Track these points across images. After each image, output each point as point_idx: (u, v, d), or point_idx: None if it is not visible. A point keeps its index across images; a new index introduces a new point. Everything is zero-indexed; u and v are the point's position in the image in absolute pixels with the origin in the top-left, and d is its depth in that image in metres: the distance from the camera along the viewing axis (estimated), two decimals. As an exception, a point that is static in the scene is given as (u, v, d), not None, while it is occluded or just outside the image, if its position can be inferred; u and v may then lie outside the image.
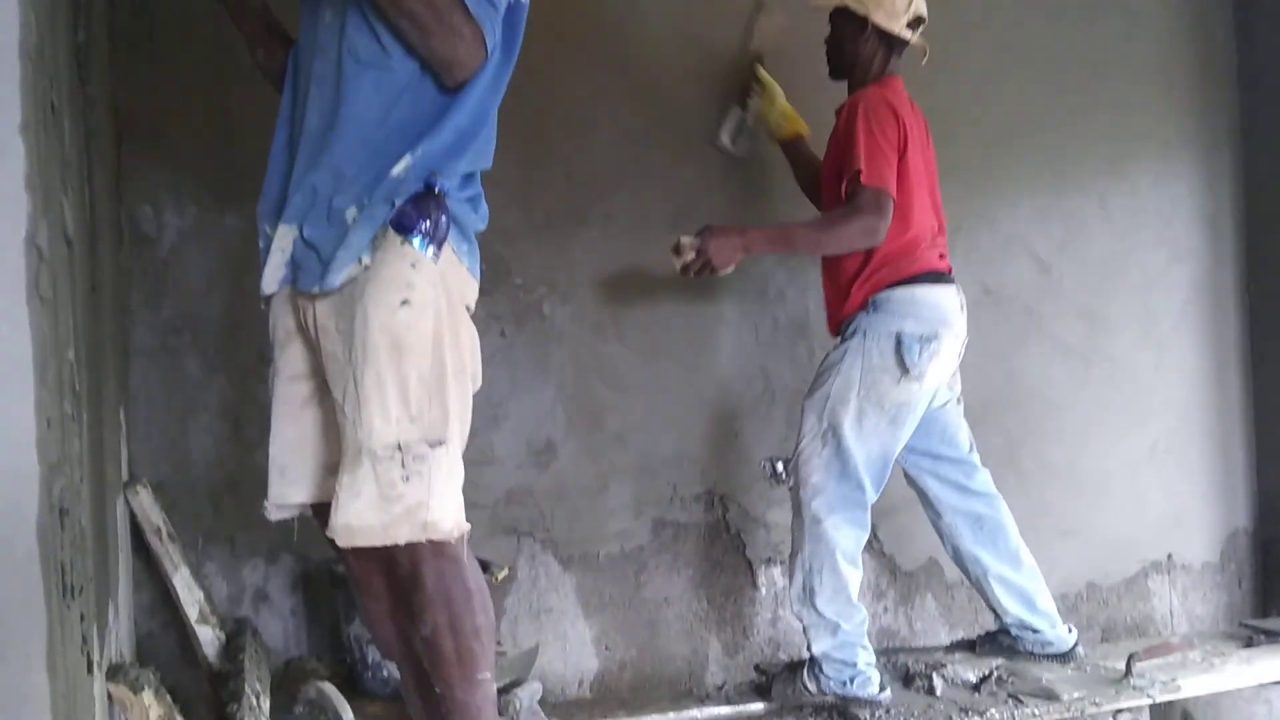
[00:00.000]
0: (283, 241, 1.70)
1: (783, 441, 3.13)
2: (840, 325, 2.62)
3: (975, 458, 2.74)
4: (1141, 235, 3.46)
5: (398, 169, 1.63)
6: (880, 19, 2.57)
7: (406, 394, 1.60)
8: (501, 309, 2.89)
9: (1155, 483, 3.48)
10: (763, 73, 2.86)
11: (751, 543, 3.12)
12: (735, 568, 3.12)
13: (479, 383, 1.82)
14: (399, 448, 1.59)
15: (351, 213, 1.63)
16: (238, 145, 2.59)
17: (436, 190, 1.63)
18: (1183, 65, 3.49)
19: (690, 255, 2.47)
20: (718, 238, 2.47)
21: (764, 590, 3.13)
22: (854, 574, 2.54)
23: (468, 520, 2.73)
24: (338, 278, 1.62)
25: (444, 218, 1.63)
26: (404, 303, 1.60)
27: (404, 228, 1.61)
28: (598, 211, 2.98)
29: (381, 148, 1.65)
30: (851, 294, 2.56)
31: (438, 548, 1.68)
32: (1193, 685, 2.71)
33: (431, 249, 1.62)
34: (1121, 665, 2.68)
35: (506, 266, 2.89)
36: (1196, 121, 3.51)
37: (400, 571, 1.72)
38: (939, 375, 2.55)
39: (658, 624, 3.03)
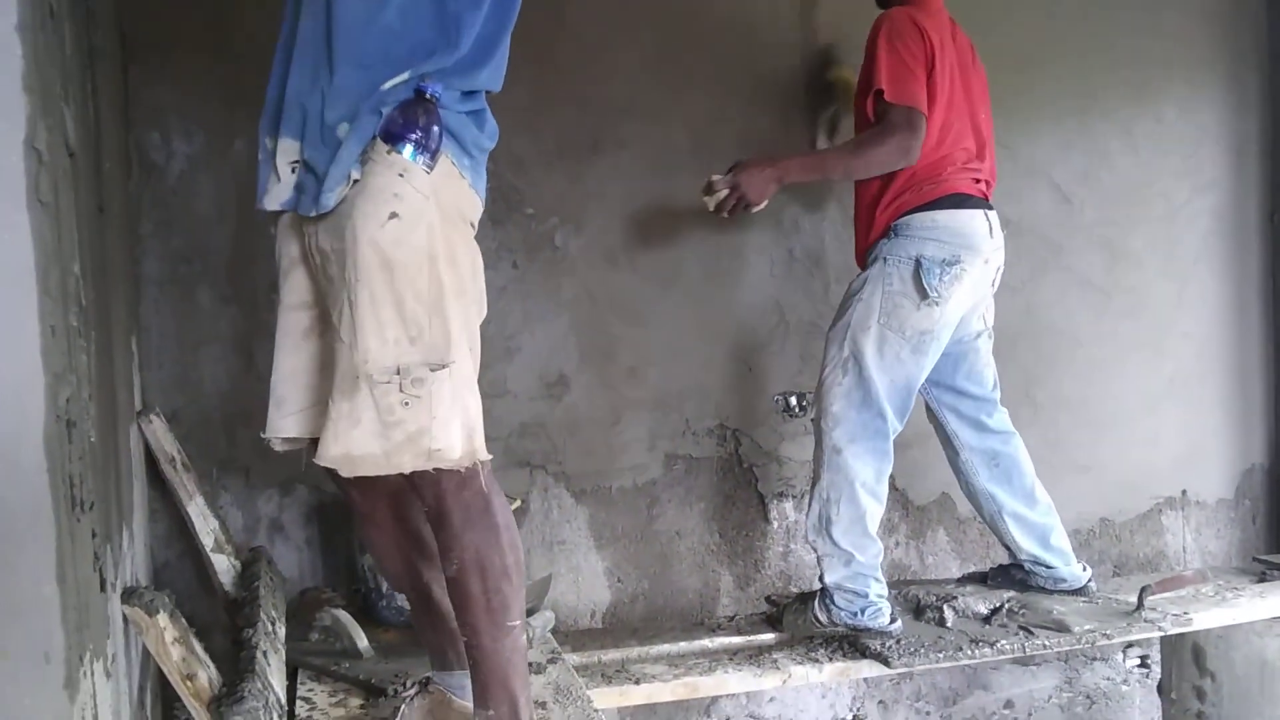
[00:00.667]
0: (284, 157, 1.64)
1: (796, 375, 3.11)
2: (865, 253, 2.59)
3: (997, 395, 2.71)
4: (1166, 165, 3.39)
5: (389, 84, 1.56)
6: None
7: (403, 313, 1.53)
8: (514, 240, 2.86)
9: (1172, 418, 3.45)
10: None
11: (764, 477, 3.12)
12: (747, 501, 3.11)
13: (484, 309, 1.77)
14: (397, 371, 1.52)
15: (344, 129, 1.57)
16: (247, 67, 2.50)
17: (427, 95, 1.54)
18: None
19: (724, 192, 2.48)
20: (750, 170, 2.47)
21: (775, 524, 3.13)
22: (873, 506, 2.52)
23: (481, 452, 2.80)
24: (331, 198, 1.55)
25: (436, 127, 1.55)
26: (392, 215, 1.52)
27: (391, 136, 1.52)
28: (611, 140, 2.94)
29: (373, 58, 1.57)
30: (875, 221, 2.53)
31: (462, 480, 1.61)
32: (1204, 618, 2.71)
33: (423, 158, 1.53)
34: (1133, 598, 2.67)
35: (519, 196, 2.86)
36: (1224, 43, 3.43)
37: (425, 506, 1.66)
38: (964, 301, 2.51)
39: (669, 557, 3.04)
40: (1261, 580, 3.00)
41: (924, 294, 2.43)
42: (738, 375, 3.09)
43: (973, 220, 2.51)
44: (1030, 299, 3.25)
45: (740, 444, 3.10)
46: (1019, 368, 3.17)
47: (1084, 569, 2.78)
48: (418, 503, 1.76)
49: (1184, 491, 3.48)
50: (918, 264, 2.44)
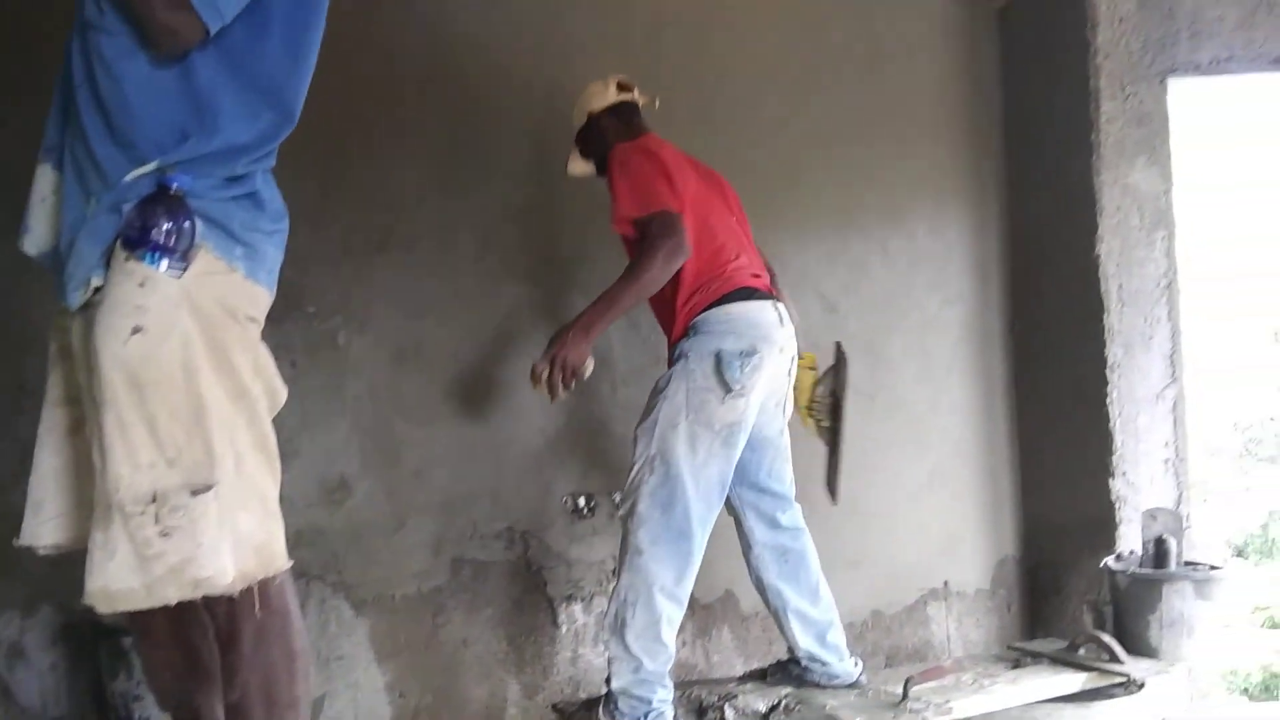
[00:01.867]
0: (42, 187, 1.52)
1: (584, 476, 3.13)
2: (670, 352, 2.65)
3: (793, 491, 2.81)
4: (918, 279, 3.68)
5: (131, 176, 1.44)
6: (596, 106, 2.77)
7: (157, 434, 1.41)
8: (293, 339, 2.77)
9: (933, 513, 3.67)
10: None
11: (553, 580, 3.09)
12: (536, 606, 3.08)
13: (280, 399, 1.68)
14: (153, 499, 1.40)
15: (90, 206, 1.46)
16: None
17: (172, 190, 1.43)
18: (955, 116, 3.75)
19: (545, 369, 2.44)
20: (561, 342, 2.44)
21: (564, 628, 3.11)
22: (671, 609, 2.52)
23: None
24: (75, 297, 1.45)
25: (186, 223, 1.43)
26: (136, 330, 1.40)
27: (130, 241, 1.40)
28: (399, 237, 2.92)
29: (123, 136, 1.46)
30: (675, 321, 2.60)
31: (261, 597, 1.51)
32: (964, 706, 2.84)
33: (167, 262, 1.41)
34: (900, 689, 2.79)
35: (299, 294, 2.78)
36: (968, 170, 3.78)
37: (215, 624, 1.55)
38: (765, 390, 2.60)
39: (455, 667, 2.95)
40: (1016, 667, 3.19)
41: (727, 386, 2.49)
42: (526, 476, 3.08)
43: (763, 311, 2.61)
44: (803, 401, 3.41)
45: (529, 546, 3.07)
46: (795, 466, 3.30)
47: (855, 663, 2.89)
48: (198, 616, 1.64)
49: (946, 583, 3.69)
50: (718, 357, 2.51)
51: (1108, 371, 3.46)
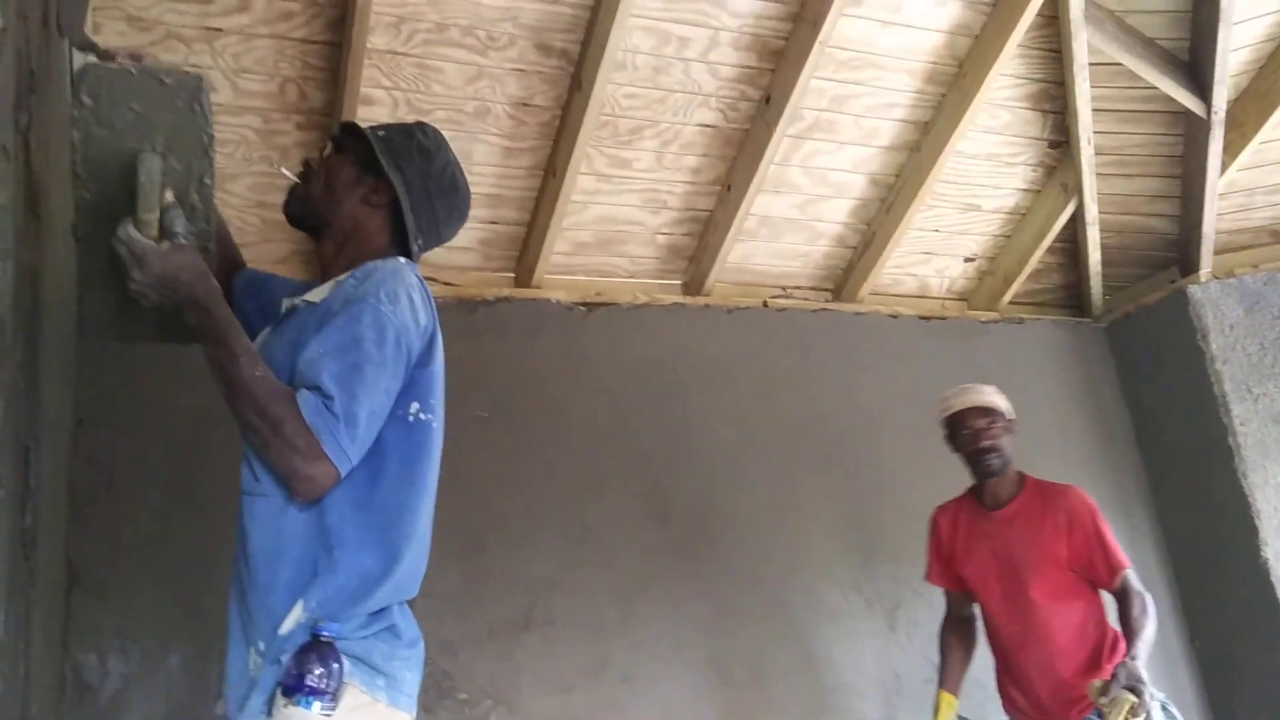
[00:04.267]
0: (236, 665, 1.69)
1: None
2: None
3: None
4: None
5: (286, 625, 1.61)
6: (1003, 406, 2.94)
7: None
8: (447, 729, 2.86)
9: None
10: None
11: None
12: None
13: None
14: None
15: (254, 660, 1.64)
16: (186, 584, 2.65)
17: (323, 639, 1.59)
18: (1081, 434, 3.74)
19: (1139, 699, 2.37)
20: (1131, 670, 2.43)
21: None
22: None
23: None
24: None
25: (336, 665, 1.58)
26: None
27: (287, 690, 1.56)
28: (540, 616, 3.04)
29: (276, 585, 1.64)
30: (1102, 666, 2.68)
31: None
32: None
33: (318, 704, 1.55)
34: None
35: (450, 681, 2.89)
36: (1107, 485, 3.69)
37: None
38: None
39: None
40: None
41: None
42: None
43: None
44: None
45: None
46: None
47: None
48: None
49: None
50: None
51: (1309, 687, 3.17)
